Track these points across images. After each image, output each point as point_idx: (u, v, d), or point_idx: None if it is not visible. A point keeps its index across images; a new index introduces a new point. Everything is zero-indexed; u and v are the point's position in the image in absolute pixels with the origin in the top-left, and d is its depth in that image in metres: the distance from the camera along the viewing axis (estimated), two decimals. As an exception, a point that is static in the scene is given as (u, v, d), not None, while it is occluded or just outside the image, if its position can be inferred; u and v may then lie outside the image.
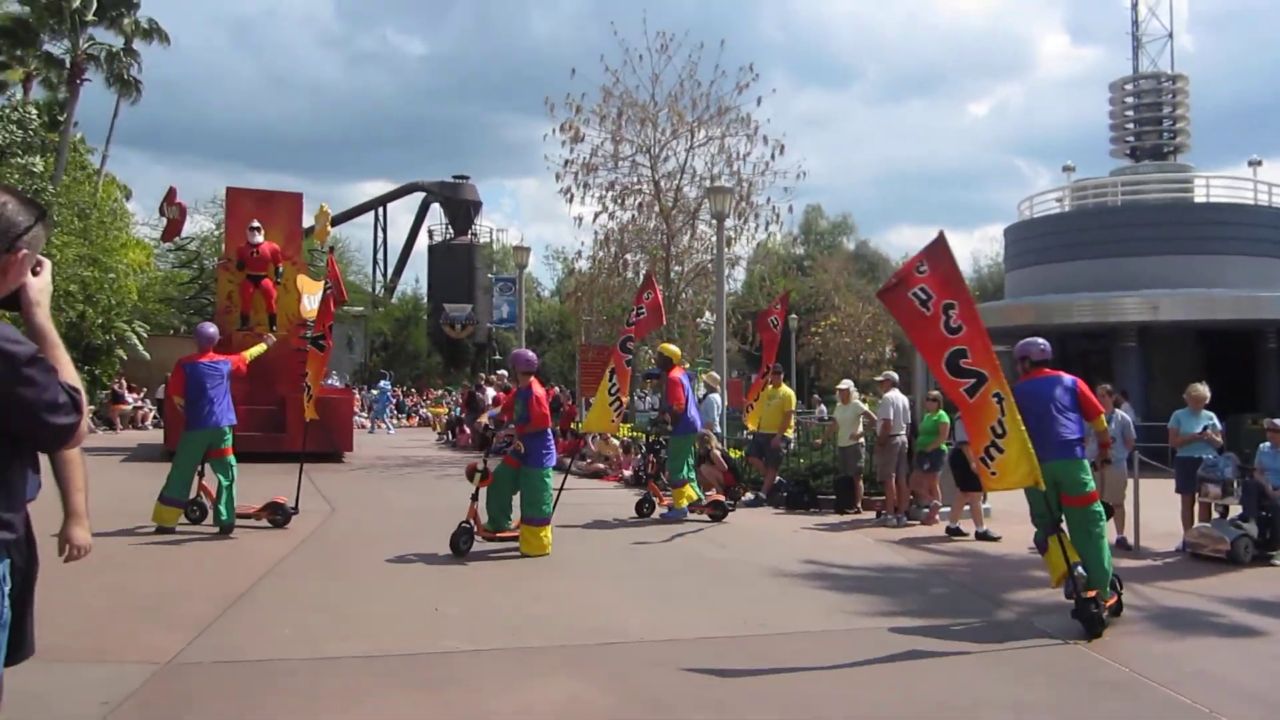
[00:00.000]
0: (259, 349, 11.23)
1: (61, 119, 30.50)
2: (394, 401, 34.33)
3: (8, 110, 24.25)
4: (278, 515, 10.40)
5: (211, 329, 10.65)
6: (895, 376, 13.33)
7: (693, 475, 12.26)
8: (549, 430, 9.67)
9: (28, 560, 2.71)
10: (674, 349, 12.94)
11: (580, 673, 5.68)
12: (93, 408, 19.36)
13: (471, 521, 9.23)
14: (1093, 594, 6.78)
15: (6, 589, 2.54)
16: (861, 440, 13.16)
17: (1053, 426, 7.12)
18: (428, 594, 7.55)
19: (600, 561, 9.33)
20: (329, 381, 30.23)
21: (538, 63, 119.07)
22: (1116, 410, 11.00)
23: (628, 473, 16.60)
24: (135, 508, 10.40)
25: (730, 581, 8.44)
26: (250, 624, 6.52)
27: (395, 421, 32.81)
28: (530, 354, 10.31)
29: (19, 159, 22.94)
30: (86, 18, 30.61)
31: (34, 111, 24.66)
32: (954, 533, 11.36)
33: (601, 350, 26.52)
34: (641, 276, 24.46)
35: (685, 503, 11.83)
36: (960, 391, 6.78)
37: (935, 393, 12.52)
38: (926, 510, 12.40)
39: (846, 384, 13.91)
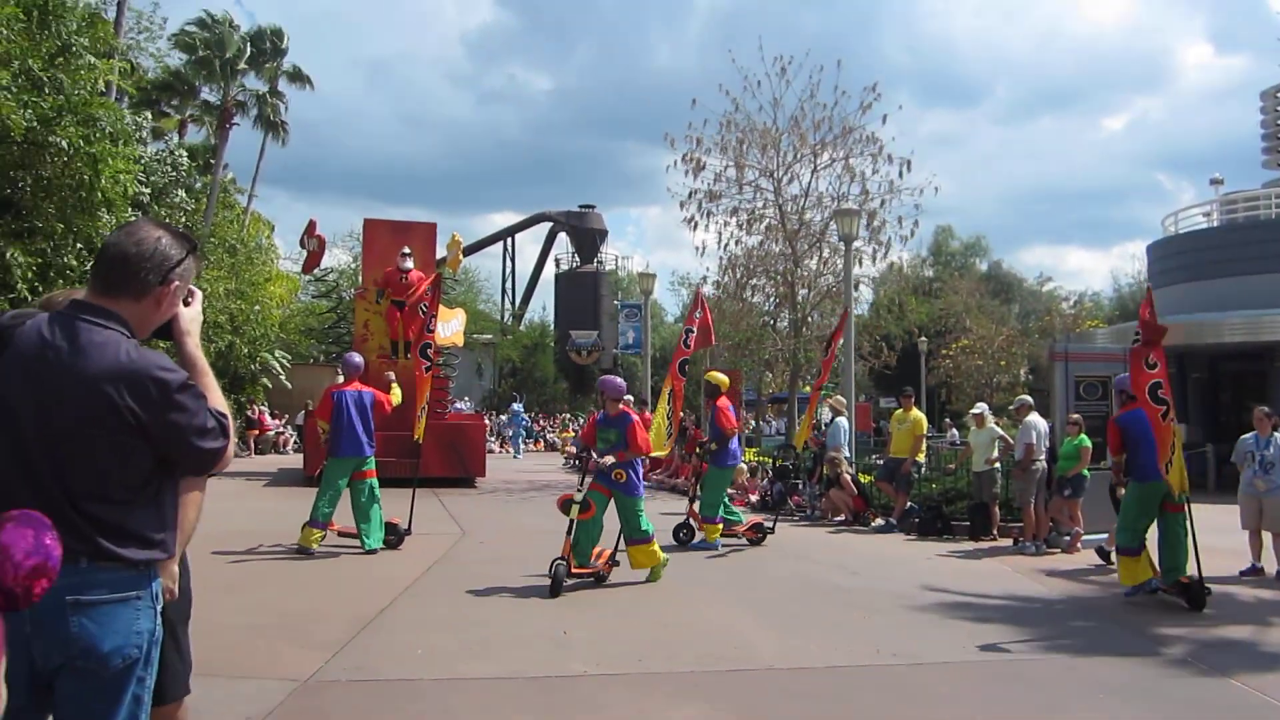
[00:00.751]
0: (398, 393, 11.41)
1: (213, 161, 32.17)
2: (526, 424, 34.93)
3: (164, 154, 25.71)
4: (392, 536, 10.64)
5: (358, 359, 10.99)
6: (1030, 401, 12.88)
7: (733, 513, 11.95)
8: (639, 459, 9.44)
9: (185, 579, 2.84)
10: (721, 376, 12.59)
11: (708, 700, 5.61)
12: (236, 438, 20.27)
13: (566, 559, 8.67)
14: (1190, 577, 8.53)
15: (159, 606, 2.64)
16: (997, 465, 12.75)
17: (1151, 451, 8.50)
18: (555, 617, 7.59)
19: (726, 586, 9.23)
20: (458, 406, 31.01)
21: (660, 92, 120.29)
22: (1275, 434, 10.39)
23: (754, 497, 16.46)
24: (276, 528, 10.79)
25: (861, 609, 8.24)
26: (384, 644, 6.67)
27: (525, 446, 33.34)
28: (619, 380, 9.71)
29: (172, 199, 24.30)
30: (238, 67, 32.31)
31: (185, 155, 26.11)
32: (1104, 555, 10.85)
33: (729, 375, 26.50)
34: (768, 301, 24.40)
35: (715, 537, 11.47)
36: (1158, 415, 8.26)
37: (1076, 416, 12.07)
38: (1068, 538, 11.89)
39: (981, 408, 13.50)
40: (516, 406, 33.74)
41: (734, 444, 11.93)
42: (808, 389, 24.26)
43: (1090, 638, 7.53)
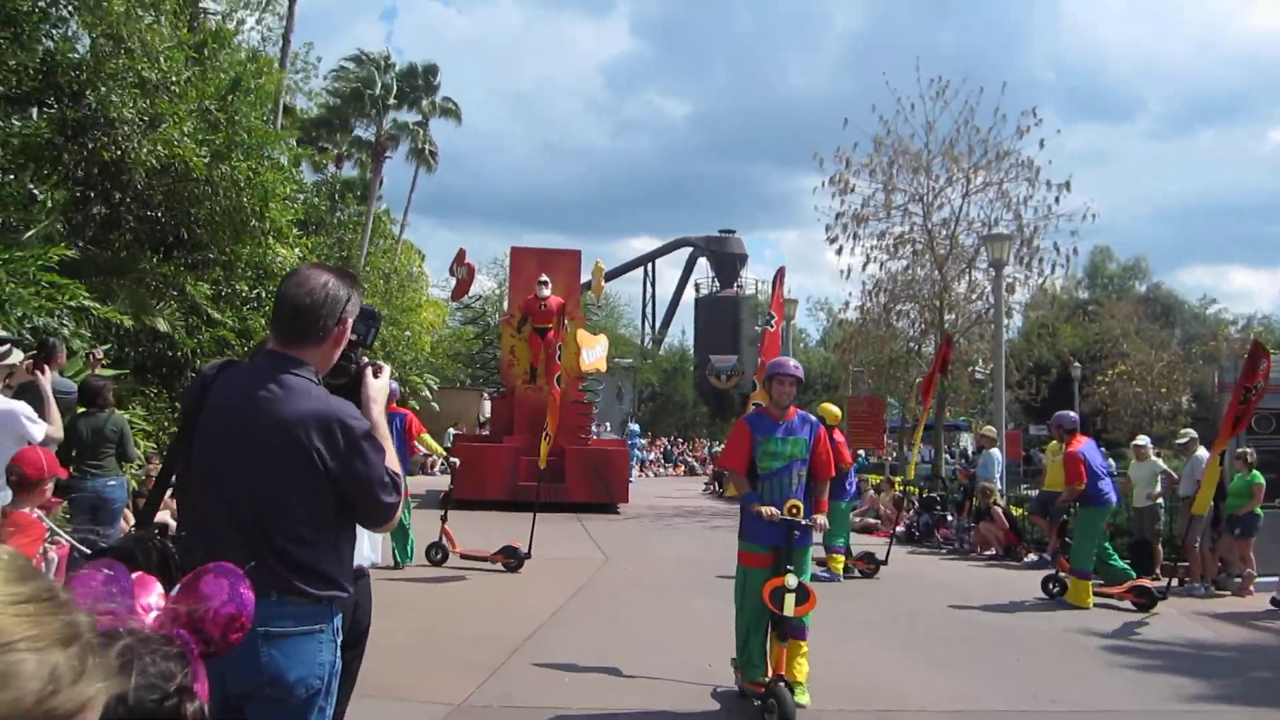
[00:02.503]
0: (436, 448, 12.30)
1: (368, 194, 33.56)
2: (642, 443, 35.08)
3: (323, 187, 27.05)
4: (511, 559, 10.82)
5: (393, 385, 11.34)
6: (1195, 435, 12.25)
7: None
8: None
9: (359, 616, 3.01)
10: (834, 410, 12.18)
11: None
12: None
13: (785, 680, 6.03)
14: None
15: (339, 640, 2.79)
16: (1160, 501, 12.15)
17: None
18: (699, 649, 7.56)
19: (870, 623, 9.04)
20: (598, 432, 31.37)
21: (795, 114, 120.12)
22: None
23: (900, 528, 16.11)
24: (424, 550, 11.10)
25: (1015, 649, 7.95)
26: (533, 671, 6.77)
27: (659, 470, 33.49)
28: (793, 361, 7.43)
29: (331, 229, 25.56)
30: (388, 102, 33.66)
31: (340, 186, 27.51)
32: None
33: (873, 402, 26.06)
34: (913, 326, 23.93)
35: (839, 568, 11.28)
36: None
37: (1246, 450, 11.41)
38: (1239, 580, 11.22)
39: (1144, 440, 12.90)
40: (633, 427, 33.95)
41: (850, 477, 11.76)
42: (964, 417, 23.56)
43: (1273, 690, 7.08)
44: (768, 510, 5.78)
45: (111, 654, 0.93)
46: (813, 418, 6.32)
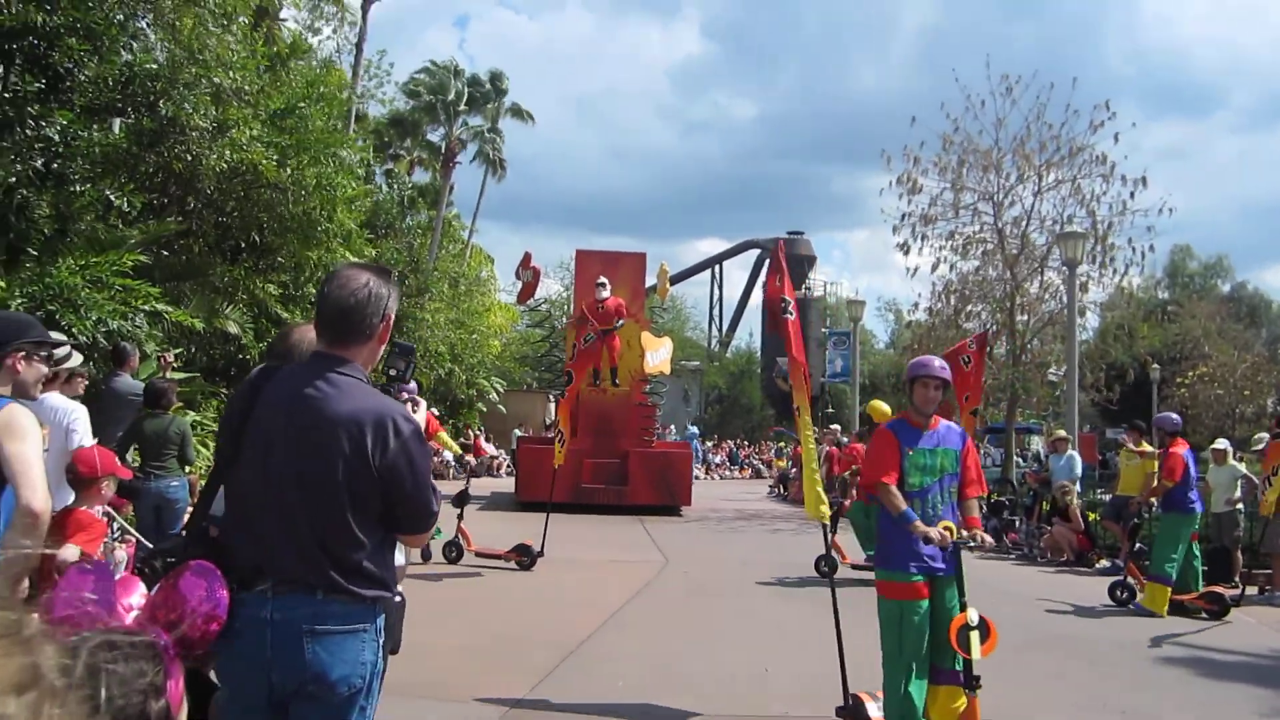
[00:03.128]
0: (453, 446, 12.11)
1: (438, 199, 34.00)
2: (704, 446, 35.05)
3: (395, 193, 27.50)
4: (524, 557, 10.85)
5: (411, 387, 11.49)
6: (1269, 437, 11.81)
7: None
8: None
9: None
10: (884, 407, 11.86)
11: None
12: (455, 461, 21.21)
13: None
14: None
15: (382, 640, 2.81)
16: (1240, 506, 11.75)
17: None
18: (757, 652, 7.49)
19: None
20: (664, 435, 31.37)
21: (864, 114, 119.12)
22: None
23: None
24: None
25: (1084, 659, 7.73)
26: (588, 673, 6.75)
27: (728, 471, 33.40)
28: (937, 360, 5.92)
29: (400, 234, 25.96)
30: (459, 108, 34.06)
31: (412, 191, 27.93)
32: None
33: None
34: (983, 329, 23.48)
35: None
36: None
37: (1332, 454, 10.98)
38: (1324, 589, 10.83)
39: (1223, 444, 12.49)
40: (693, 429, 33.90)
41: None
42: (1035, 419, 23.03)
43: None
44: (937, 532, 4.99)
45: (79, 668, 0.90)
46: (959, 426, 5.53)
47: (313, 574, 2.63)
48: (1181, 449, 10.14)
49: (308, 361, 2.86)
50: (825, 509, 5.66)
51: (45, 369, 3.89)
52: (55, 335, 5.51)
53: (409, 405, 3.06)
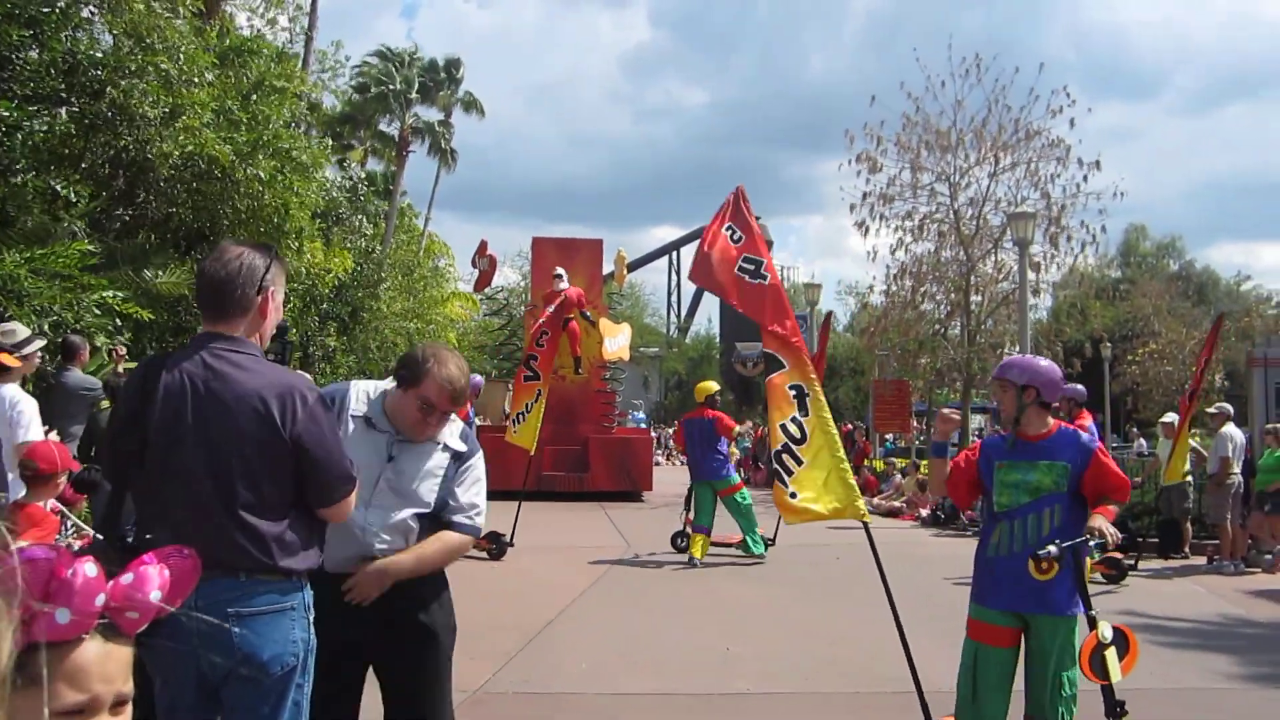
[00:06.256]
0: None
1: (392, 188, 33.70)
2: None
3: (345, 182, 27.20)
4: (493, 545, 10.77)
5: (476, 379, 11.55)
6: (1230, 409, 12.08)
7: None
8: None
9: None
10: (710, 385, 12.20)
11: (876, 723, 5.48)
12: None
13: None
14: None
15: (310, 617, 2.80)
16: (1189, 479, 12.00)
17: None
18: (719, 633, 7.55)
19: (901, 605, 8.96)
20: (637, 417, 31.46)
21: (816, 101, 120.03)
22: None
23: (925, 511, 16.02)
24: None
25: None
26: (551, 657, 6.77)
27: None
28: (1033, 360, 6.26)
29: (352, 225, 25.75)
30: (410, 96, 33.72)
31: (364, 183, 27.71)
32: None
33: (899, 385, 25.85)
34: (939, 308, 23.72)
35: (699, 553, 10.89)
36: None
37: (1275, 426, 11.26)
38: (1270, 557, 11.08)
39: (1171, 418, 12.72)
40: (639, 415, 34.07)
41: (723, 456, 11.51)
42: (978, 399, 23.31)
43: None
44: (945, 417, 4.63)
45: None
46: (1084, 435, 4.48)
47: (233, 557, 2.61)
48: (1087, 420, 9.98)
49: (196, 344, 2.81)
50: (861, 504, 5.18)
51: None
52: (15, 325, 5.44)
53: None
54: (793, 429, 4.92)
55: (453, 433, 3.33)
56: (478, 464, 3.38)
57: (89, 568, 1.21)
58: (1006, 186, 21.93)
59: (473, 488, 3.35)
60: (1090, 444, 4.42)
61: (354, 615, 3.07)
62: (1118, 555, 10.33)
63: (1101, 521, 4.13)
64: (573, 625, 7.83)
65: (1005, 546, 4.28)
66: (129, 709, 1.26)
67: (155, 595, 1.30)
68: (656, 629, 7.75)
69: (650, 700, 5.84)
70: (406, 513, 3.18)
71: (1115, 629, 4.14)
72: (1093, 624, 4.07)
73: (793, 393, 4.97)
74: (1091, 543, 4.12)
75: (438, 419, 3.21)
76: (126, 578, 1.29)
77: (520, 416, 11.68)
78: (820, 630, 7.85)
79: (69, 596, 1.18)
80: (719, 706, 5.76)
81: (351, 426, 3.19)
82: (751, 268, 5.09)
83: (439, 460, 3.27)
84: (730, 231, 5.15)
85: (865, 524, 5.24)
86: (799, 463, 4.90)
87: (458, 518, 3.27)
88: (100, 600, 1.22)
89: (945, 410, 4.66)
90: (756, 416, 43.21)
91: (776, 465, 4.97)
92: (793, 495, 4.85)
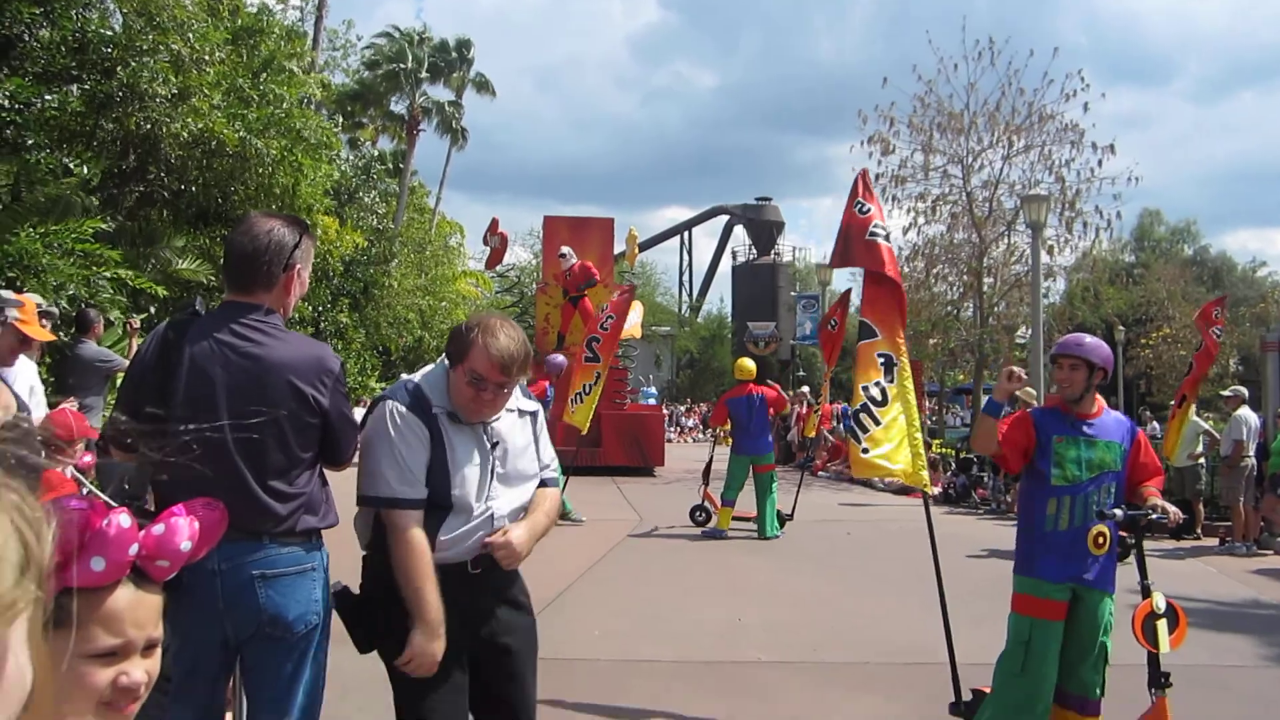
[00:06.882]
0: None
1: (402, 166, 33.70)
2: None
3: (359, 160, 27.28)
4: None
5: (559, 359, 11.71)
6: (1244, 392, 12.02)
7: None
8: None
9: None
10: (748, 364, 12.18)
11: (885, 692, 5.51)
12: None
13: None
14: None
15: (327, 578, 2.87)
16: (1201, 461, 11.97)
17: None
18: (731, 604, 7.59)
19: (908, 578, 8.97)
20: (648, 391, 31.53)
21: (825, 83, 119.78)
22: None
23: (936, 489, 16.00)
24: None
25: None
26: (564, 625, 6.81)
27: (695, 436, 33.72)
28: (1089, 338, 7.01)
29: (363, 202, 25.79)
30: (421, 75, 33.65)
31: (376, 162, 27.74)
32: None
33: (911, 366, 25.75)
34: (952, 290, 23.65)
35: (726, 525, 11.20)
36: None
37: (1287, 408, 11.23)
38: (1281, 539, 11.07)
39: (1234, 390, 12.66)
40: (650, 390, 34.14)
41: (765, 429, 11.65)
42: (990, 379, 23.30)
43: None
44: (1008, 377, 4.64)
45: None
46: (1129, 420, 4.64)
47: (259, 520, 2.66)
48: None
49: (224, 313, 2.82)
50: (925, 474, 5.24)
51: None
52: (34, 297, 5.46)
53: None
54: (875, 392, 5.13)
55: (518, 395, 3.09)
56: (542, 416, 3.25)
57: (123, 519, 1.25)
58: (1020, 170, 21.85)
59: (549, 443, 3.25)
60: (1134, 426, 4.56)
61: (473, 603, 2.95)
62: (1123, 533, 10.31)
63: (1162, 500, 4.37)
64: (585, 594, 7.87)
65: (1065, 521, 4.36)
66: (159, 652, 1.31)
67: (185, 545, 1.35)
68: (668, 599, 7.79)
69: (662, 667, 5.87)
70: (524, 495, 3.06)
71: (1169, 604, 4.22)
72: (1146, 593, 4.19)
73: (881, 360, 5.19)
74: (1154, 516, 4.33)
75: (491, 394, 2.85)
76: (158, 528, 1.33)
77: (579, 397, 11.74)
78: (831, 603, 7.89)
79: (104, 546, 1.23)
80: (729, 674, 5.79)
81: (447, 430, 2.87)
82: (882, 232, 5.38)
83: (524, 427, 3.08)
84: (859, 207, 5.47)
85: (925, 495, 5.41)
86: (876, 423, 5.08)
87: (547, 474, 3.19)
88: (133, 550, 1.27)
89: (1015, 369, 4.65)
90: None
91: (853, 423, 5.19)
92: (865, 450, 5.06)
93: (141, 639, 1.28)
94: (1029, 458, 4.45)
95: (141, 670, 1.27)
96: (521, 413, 3.09)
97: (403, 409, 2.81)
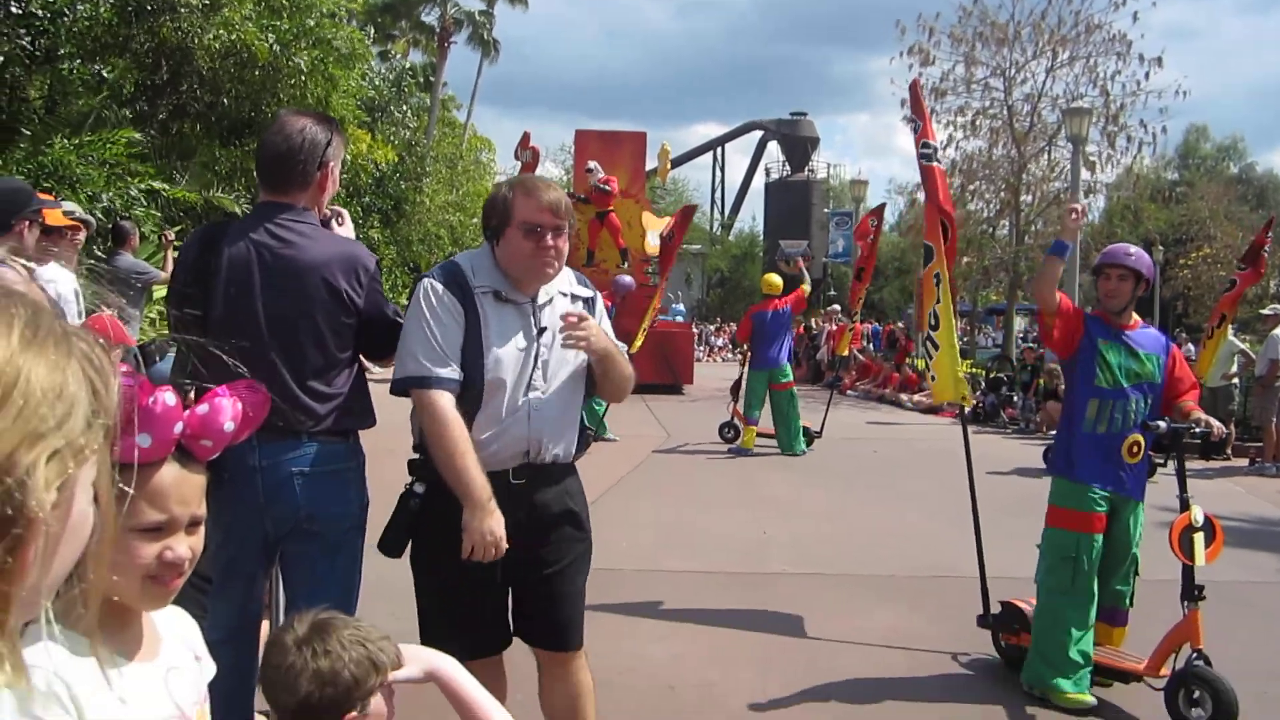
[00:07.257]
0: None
1: (433, 79, 33.37)
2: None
3: (389, 73, 27.04)
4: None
5: (626, 279, 11.68)
6: (1281, 309, 11.85)
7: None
8: None
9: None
10: (774, 279, 11.89)
11: (908, 603, 5.60)
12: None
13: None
14: None
15: (364, 475, 2.94)
16: (1235, 381, 11.87)
17: None
18: (755, 519, 7.69)
19: (934, 495, 9.03)
20: (673, 314, 31.52)
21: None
22: None
23: (967, 409, 16.01)
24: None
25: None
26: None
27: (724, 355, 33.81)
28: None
29: (395, 115, 25.63)
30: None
31: (408, 71, 27.47)
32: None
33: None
34: (988, 207, 23.30)
35: (750, 443, 11.26)
36: None
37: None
38: (1314, 459, 11.01)
39: (1273, 308, 12.50)
40: (679, 308, 34.12)
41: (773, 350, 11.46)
42: (1025, 299, 23.20)
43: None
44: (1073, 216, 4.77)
45: None
46: (1164, 336, 4.66)
47: (298, 419, 2.70)
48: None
49: (259, 214, 2.85)
50: (966, 391, 5.25)
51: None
52: (67, 205, 5.50)
53: (335, 221, 3.06)
54: (931, 319, 5.10)
55: (568, 279, 2.89)
56: (601, 303, 3.04)
57: (169, 397, 1.29)
58: (1064, 83, 21.31)
59: (610, 329, 2.99)
60: (1169, 341, 4.61)
61: (515, 519, 2.71)
62: (1151, 453, 10.27)
63: (1203, 413, 4.37)
64: (613, 507, 7.97)
65: (1104, 425, 4.35)
66: (202, 530, 1.35)
67: (229, 426, 1.38)
68: (695, 513, 7.90)
69: (688, 577, 5.99)
70: (571, 394, 2.84)
71: (1206, 517, 4.25)
72: (1185, 506, 4.24)
73: (935, 281, 5.06)
74: (1197, 430, 4.38)
75: (552, 239, 2.67)
76: (202, 408, 1.37)
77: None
78: (857, 519, 7.98)
79: (150, 423, 1.26)
80: (754, 584, 5.90)
81: (486, 308, 2.72)
82: (929, 151, 5.25)
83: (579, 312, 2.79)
84: (911, 124, 5.36)
85: (962, 407, 5.55)
86: (935, 347, 5.08)
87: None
88: (179, 428, 1.31)
89: (1077, 205, 4.59)
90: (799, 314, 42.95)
91: (924, 348, 5.23)
92: (933, 378, 5.21)
93: (186, 515, 1.32)
94: (1073, 348, 4.41)
95: (185, 546, 1.31)
96: (574, 298, 2.89)
97: (439, 286, 2.70)
